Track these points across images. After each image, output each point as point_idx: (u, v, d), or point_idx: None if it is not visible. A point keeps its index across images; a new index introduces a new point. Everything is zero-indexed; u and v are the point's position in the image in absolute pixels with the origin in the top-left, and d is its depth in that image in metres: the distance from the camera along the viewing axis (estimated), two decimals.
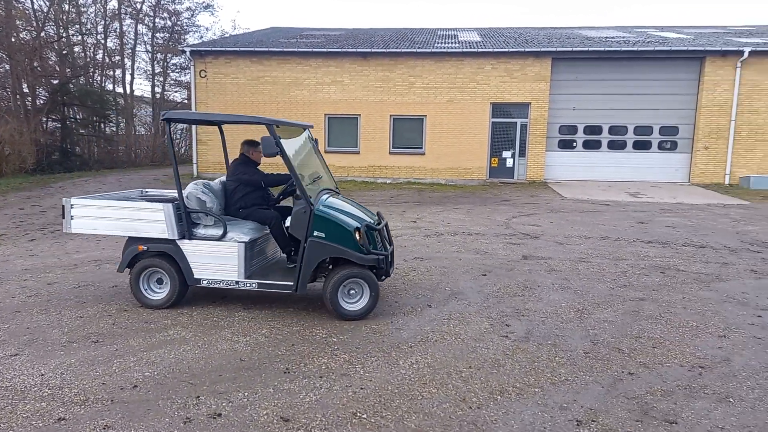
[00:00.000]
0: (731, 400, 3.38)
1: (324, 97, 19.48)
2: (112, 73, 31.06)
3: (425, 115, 19.17)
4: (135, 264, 4.99)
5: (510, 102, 18.78)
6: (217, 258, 4.83)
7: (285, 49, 19.09)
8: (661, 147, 18.82)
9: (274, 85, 19.53)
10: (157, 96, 33.16)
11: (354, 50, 18.89)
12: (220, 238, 4.85)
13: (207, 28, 49.35)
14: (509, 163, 19.26)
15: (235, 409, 3.21)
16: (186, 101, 32.83)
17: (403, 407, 3.25)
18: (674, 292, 5.75)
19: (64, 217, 5.00)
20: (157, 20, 32.65)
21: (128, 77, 31.46)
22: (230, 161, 5.68)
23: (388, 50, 18.80)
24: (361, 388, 3.49)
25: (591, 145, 19.03)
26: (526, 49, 18.22)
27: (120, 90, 30.46)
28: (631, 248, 8.05)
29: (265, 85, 19.55)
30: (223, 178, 5.55)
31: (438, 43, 20.12)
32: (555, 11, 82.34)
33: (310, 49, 19.09)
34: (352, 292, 4.75)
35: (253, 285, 4.80)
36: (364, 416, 3.14)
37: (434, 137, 19.20)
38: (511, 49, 18.29)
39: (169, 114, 4.90)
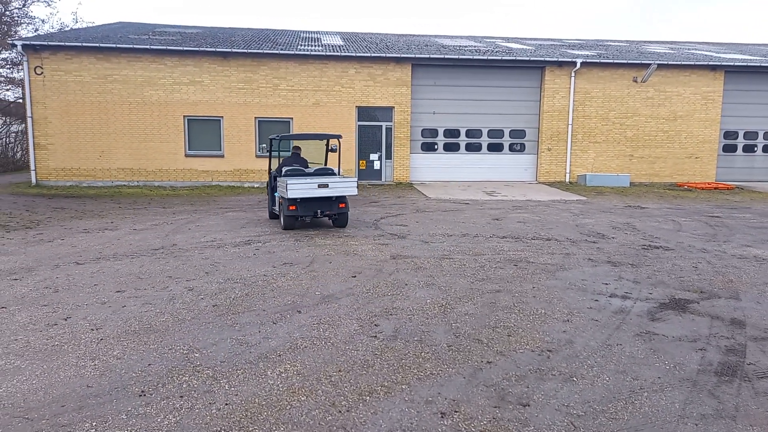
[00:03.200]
0: (575, 379, 3.73)
1: (182, 98, 18.44)
2: None
3: (292, 118, 18.95)
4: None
5: (375, 105, 19.21)
6: None
7: (136, 46, 17.77)
8: (511, 149, 20.42)
9: (125, 84, 18.09)
10: None
11: (213, 49, 18.13)
12: None
13: (43, 21, 44.34)
14: (377, 165, 19.70)
15: None
16: (20, 100, 29.22)
17: (271, 419, 3.15)
18: (526, 283, 6.23)
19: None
20: None
21: None
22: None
23: (250, 51, 18.30)
24: (226, 404, 3.32)
25: (451, 148, 20.11)
26: (388, 55, 18.78)
27: None
28: (488, 243, 8.61)
29: (114, 84, 18.04)
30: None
31: (301, 45, 20.00)
32: (407, 14, 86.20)
33: (165, 47, 17.97)
34: None
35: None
36: None
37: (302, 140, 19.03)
38: (373, 54, 18.72)
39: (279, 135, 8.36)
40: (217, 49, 18.13)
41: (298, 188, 9.14)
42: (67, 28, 30.50)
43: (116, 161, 18.44)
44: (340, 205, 9.60)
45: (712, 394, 3.51)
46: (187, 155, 18.64)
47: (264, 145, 18.71)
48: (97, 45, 17.61)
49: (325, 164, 11.15)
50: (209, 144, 18.89)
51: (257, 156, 19.05)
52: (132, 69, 18.08)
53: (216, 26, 25.58)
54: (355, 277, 6.43)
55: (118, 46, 17.69)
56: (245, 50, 18.28)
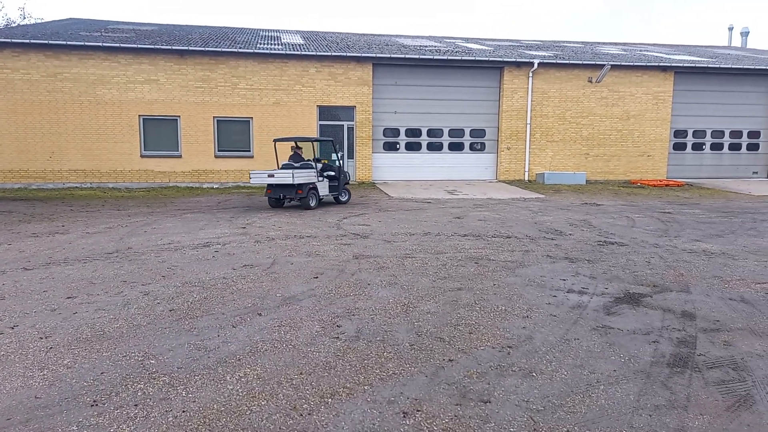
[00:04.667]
0: (534, 374, 3.78)
1: (137, 97, 17.96)
2: None
3: (252, 117, 18.71)
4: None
5: (336, 105, 19.15)
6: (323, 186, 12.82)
7: (88, 43, 17.22)
8: (472, 148, 20.68)
9: (76, 82, 17.50)
10: None
11: (169, 47, 17.72)
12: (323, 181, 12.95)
13: None
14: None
15: None
16: None
17: (230, 425, 3.08)
18: (486, 280, 6.31)
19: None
20: None
21: None
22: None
23: (208, 49, 17.97)
24: (183, 411, 3.23)
25: (412, 147, 20.22)
26: (349, 54, 18.74)
27: None
28: (450, 242, 8.68)
29: (65, 83, 17.43)
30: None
31: (261, 44, 19.75)
32: (363, 14, 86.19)
33: (118, 44, 17.47)
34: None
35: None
36: None
37: (263, 140, 18.81)
38: (334, 54, 18.65)
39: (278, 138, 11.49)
40: (174, 47, 17.73)
41: (257, 177, 12.66)
42: (14, 24, 29.24)
43: (68, 162, 17.81)
44: (298, 192, 12.44)
45: (664, 386, 3.61)
46: (142, 156, 18.18)
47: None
48: (46, 42, 16.98)
49: (314, 160, 13.67)
50: (166, 144, 18.46)
51: (216, 156, 18.72)
52: (84, 67, 17.50)
53: (172, 24, 24.99)
54: (317, 278, 6.37)
55: (68, 43, 17.11)
56: (203, 48, 17.94)
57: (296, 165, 13.00)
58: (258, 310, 5.14)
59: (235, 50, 18.09)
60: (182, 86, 18.17)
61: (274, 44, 19.95)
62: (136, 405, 3.31)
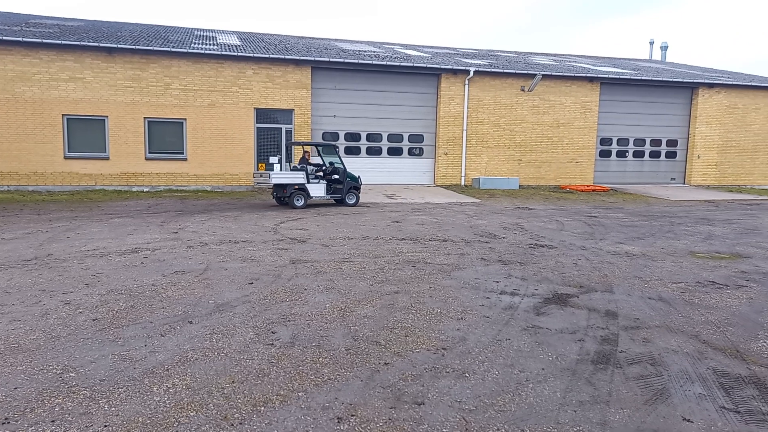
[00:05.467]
0: (467, 375, 3.86)
1: (60, 96, 17.04)
2: None
3: (185, 119, 18.14)
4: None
5: (274, 108, 18.89)
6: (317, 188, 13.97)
7: (6, 38, 16.18)
8: (410, 153, 20.93)
9: None
10: None
11: (96, 44, 16.93)
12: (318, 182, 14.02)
13: None
14: (276, 168, 19.31)
15: None
16: None
17: None
18: (423, 283, 6.38)
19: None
20: None
21: None
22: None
23: (138, 47, 17.29)
24: (105, 426, 3.07)
25: (352, 151, 20.22)
26: (287, 57, 18.55)
27: None
28: (388, 246, 8.74)
29: None
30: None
31: (195, 43, 19.22)
32: (302, 15, 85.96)
33: (40, 40, 16.51)
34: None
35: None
36: None
37: (197, 142, 18.28)
38: (272, 56, 18.41)
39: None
40: (102, 45, 16.96)
41: (256, 179, 14.65)
42: None
43: None
44: (284, 191, 13.96)
45: (589, 382, 3.78)
46: (66, 157, 17.25)
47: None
48: None
49: (303, 163, 14.94)
50: (92, 145, 17.60)
51: (147, 158, 18.02)
52: (1, 62, 16.43)
53: (100, 20, 23.89)
54: (252, 283, 6.24)
55: None
56: (133, 46, 17.26)
57: (298, 167, 14.43)
58: (189, 318, 4.97)
59: (168, 49, 17.49)
60: (110, 85, 17.37)
61: (210, 44, 19.45)
62: (53, 421, 3.12)
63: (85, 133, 17.44)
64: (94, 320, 4.86)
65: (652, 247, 9.05)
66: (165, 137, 18.13)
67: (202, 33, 23.07)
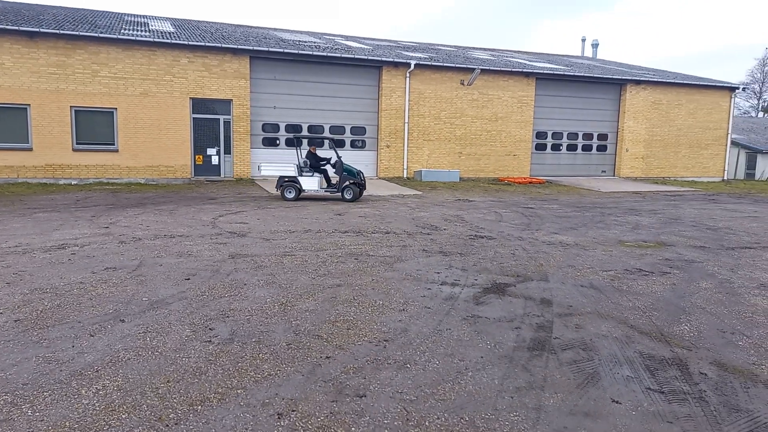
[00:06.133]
0: (408, 365, 3.89)
1: None
2: None
3: (116, 108, 17.32)
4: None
5: (211, 98, 18.34)
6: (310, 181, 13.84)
7: None
8: (353, 145, 20.86)
9: None
10: None
11: (16, 28, 15.87)
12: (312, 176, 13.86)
13: None
14: (215, 160, 18.83)
15: None
16: None
17: None
18: (365, 276, 6.39)
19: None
20: None
21: None
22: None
23: (63, 32, 16.33)
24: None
25: (293, 143, 19.94)
26: (224, 45, 18.04)
27: None
28: (331, 239, 8.69)
29: None
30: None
31: (126, 29, 18.36)
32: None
33: None
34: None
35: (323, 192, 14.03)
36: None
37: (129, 133, 17.50)
38: (208, 44, 17.85)
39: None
40: (22, 28, 15.90)
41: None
42: None
43: None
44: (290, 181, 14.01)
45: (525, 368, 3.90)
46: None
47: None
48: None
49: (308, 157, 14.64)
50: (13, 135, 16.52)
51: (75, 150, 17.10)
52: None
53: (20, 2, 22.39)
54: (188, 279, 6.05)
55: None
56: (57, 31, 16.28)
57: (300, 162, 14.31)
58: (121, 317, 4.76)
59: (96, 35, 16.60)
60: (33, 72, 16.32)
61: (142, 30, 18.61)
62: None
63: (5, 123, 16.32)
64: (16, 321, 4.57)
65: (585, 237, 9.44)
66: (94, 127, 17.24)
67: (132, 18, 22.05)
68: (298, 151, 14.64)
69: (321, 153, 15.05)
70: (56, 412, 3.13)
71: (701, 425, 3.19)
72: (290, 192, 13.89)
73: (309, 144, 14.58)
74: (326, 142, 14.52)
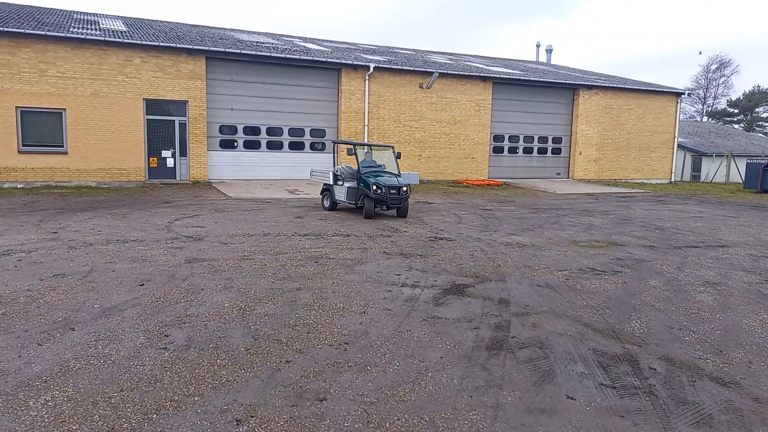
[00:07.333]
0: (369, 368, 3.90)
1: None
2: None
3: (65, 109, 16.70)
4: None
5: (166, 99, 17.90)
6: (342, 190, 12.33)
7: None
8: (312, 147, 20.74)
9: None
10: None
11: None
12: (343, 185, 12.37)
13: None
14: (170, 163, 18.38)
15: None
16: None
17: None
18: (326, 279, 6.36)
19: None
20: None
21: None
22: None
23: (6, 29, 15.65)
24: None
25: (251, 145, 19.68)
26: (179, 45, 17.64)
27: None
28: (290, 242, 8.61)
29: None
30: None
31: (75, 27, 17.73)
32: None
33: None
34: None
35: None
36: None
37: (79, 134, 16.89)
38: (162, 44, 17.41)
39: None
40: None
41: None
42: None
43: None
44: (326, 189, 13.12)
45: (483, 368, 3.96)
46: None
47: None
48: None
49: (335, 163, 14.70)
50: None
51: (21, 152, 16.40)
52: None
53: None
54: (143, 285, 5.89)
55: None
56: (0, 28, 15.56)
57: (337, 169, 13.02)
58: (71, 325, 4.59)
59: (43, 33, 15.96)
60: None
61: (92, 29, 18.01)
62: None
63: None
64: None
65: (540, 238, 9.66)
66: (42, 128, 16.57)
67: (82, 17, 21.32)
68: (335, 156, 13.98)
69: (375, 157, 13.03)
70: (2, 425, 2.99)
71: (651, 418, 3.31)
72: (326, 201, 12.91)
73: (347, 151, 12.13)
74: (354, 148, 12.17)
